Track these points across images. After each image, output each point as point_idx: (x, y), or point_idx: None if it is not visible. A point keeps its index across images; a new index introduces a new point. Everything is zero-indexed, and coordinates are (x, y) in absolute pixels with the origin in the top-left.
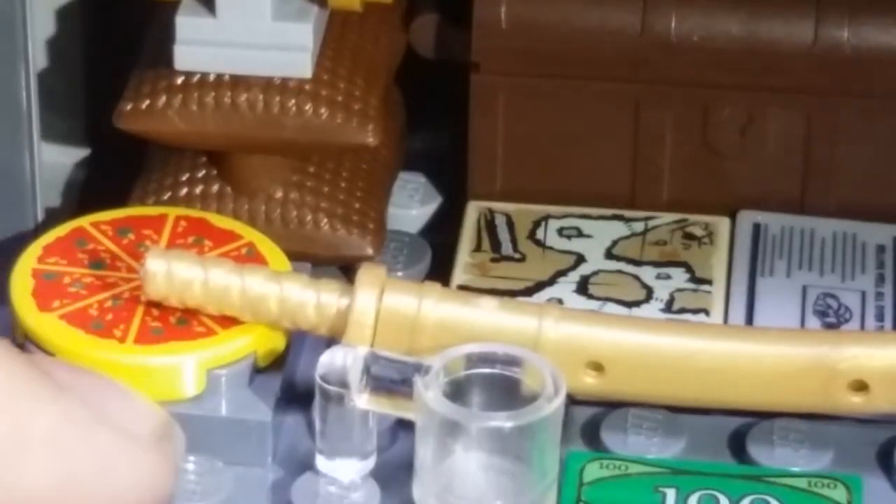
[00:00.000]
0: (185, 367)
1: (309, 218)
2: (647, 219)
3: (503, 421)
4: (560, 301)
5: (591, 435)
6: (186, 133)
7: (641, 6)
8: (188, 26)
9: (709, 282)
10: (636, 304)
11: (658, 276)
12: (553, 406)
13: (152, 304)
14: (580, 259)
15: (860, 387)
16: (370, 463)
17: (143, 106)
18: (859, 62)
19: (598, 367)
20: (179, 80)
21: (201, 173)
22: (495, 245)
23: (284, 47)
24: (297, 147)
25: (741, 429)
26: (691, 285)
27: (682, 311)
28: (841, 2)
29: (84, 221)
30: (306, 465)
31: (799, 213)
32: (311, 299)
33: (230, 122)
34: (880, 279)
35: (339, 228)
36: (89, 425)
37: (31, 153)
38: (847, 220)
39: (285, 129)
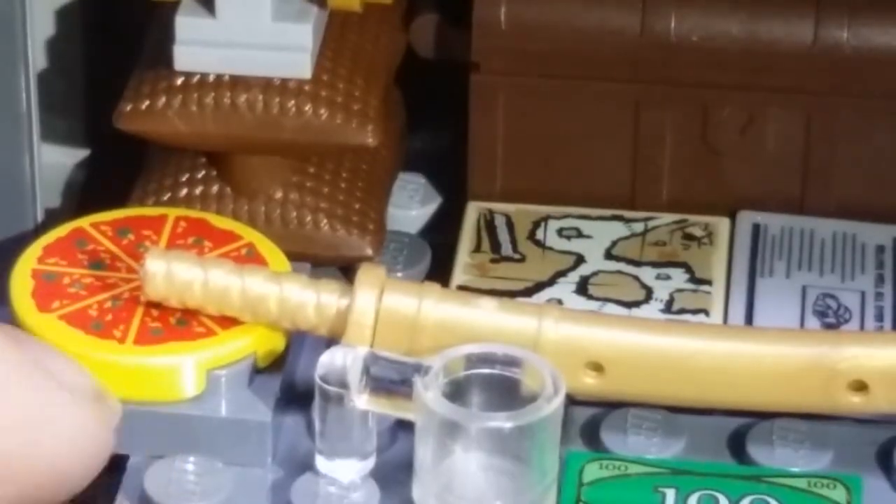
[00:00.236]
0: (185, 367)
1: (309, 218)
2: (646, 219)
3: (503, 421)
4: (560, 301)
5: (591, 435)
6: (186, 133)
7: (641, 6)
8: (188, 26)
9: (708, 282)
10: (636, 304)
11: (658, 277)
12: (553, 406)
13: (152, 305)
14: (580, 259)
15: (860, 387)
16: (370, 463)
17: (143, 106)
18: (859, 62)
19: (597, 368)
20: (179, 81)
21: (201, 174)
22: (495, 245)
23: (284, 48)
24: (296, 147)
25: (741, 429)
26: (691, 286)
27: (682, 311)
28: (841, 2)
29: (84, 222)
30: (306, 466)
31: (799, 214)
32: (311, 300)
33: (230, 123)
34: (880, 279)
35: (338, 229)
36: (29, 373)
37: (31, 153)
38: (847, 221)
39: (285, 130)
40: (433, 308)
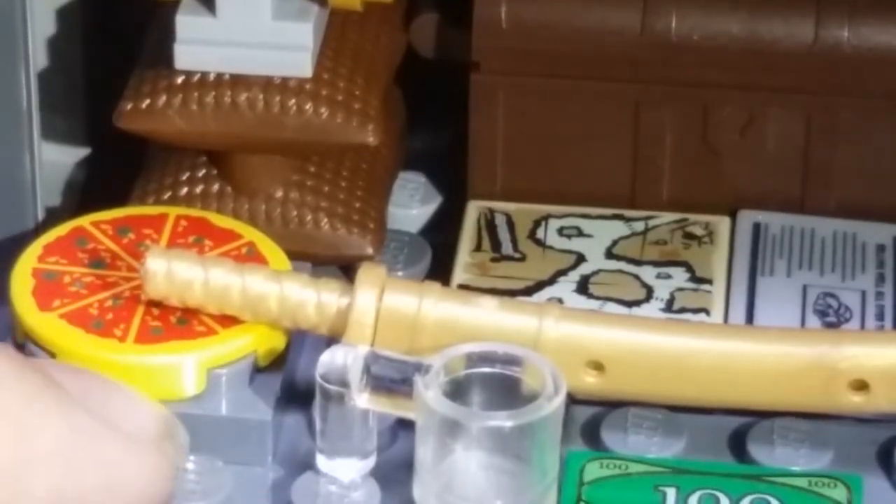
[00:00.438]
0: (186, 366)
1: (309, 217)
2: (647, 218)
3: (503, 420)
4: (560, 300)
5: (592, 434)
6: (187, 132)
7: (641, 6)
8: (188, 26)
9: (709, 281)
10: (636, 303)
11: (658, 276)
12: (553, 405)
13: (152, 304)
14: (580, 258)
15: (860, 386)
16: (370, 462)
17: (144, 105)
18: (859, 62)
19: (598, 367)
20: (180, 80)
21: (201, 173)
22: (495, 245)
23: (285, 47)
24: (297, 146)
25: (741, 428)
26: (691, 285)
27: (683, 310)
28: (841, 2)
29: (84, 221)
30: (306, 465)
31: (799, 213)
32: (312, 299)
33: (230, 122)
34: (880, 279)
35: (339, 228)
36: (95, 434)
37: (31, 153)
38: (847, 220)
39: (285, 129)
40: (433, 307)
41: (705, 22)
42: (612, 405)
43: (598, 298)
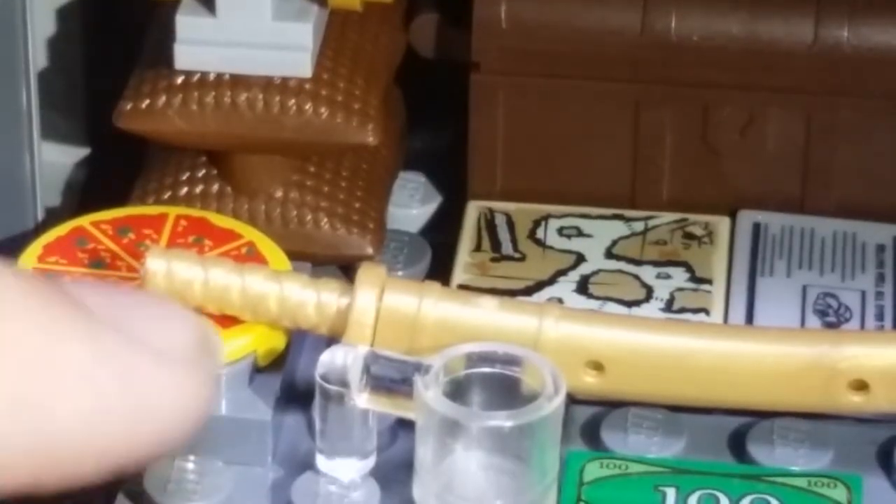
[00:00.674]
0: None
1: (309, 217)
2: (647, 218)
3: (503, 420)
4: (560, 300)
5: (591, 434)
6: (186, 132)
7: (641, 6)
8: (188, 26)
9: (709, 281)
10: (636, 303)
11: (658, 276)
12: (553, 405)
13: None
14: (580, 258)
15: (860, 386)
16: (370, 462)
17: (143, 105)
18: (859, 62)
19: (598, 367)
20: (179, 80)
21: (201, 173)
22: (495, 244)
23: (284, 47)
24: (297, 146)
25: (741, 428)
26: (691, 285)
27: (682, 310)
28: (841, 2)
29: (84, 221)
30: (306, 465)
31: (799, 213)
32: (311, 298)
33: (230, 122)
34: (880, 279)
35: (339, 228)
36: (124, 356)
37: (31, 153)
38: (847, 220)
39: (285, 129)
40: (433, 307)
41: (705, 22)
42: (611, 405)
43: (597, 298)
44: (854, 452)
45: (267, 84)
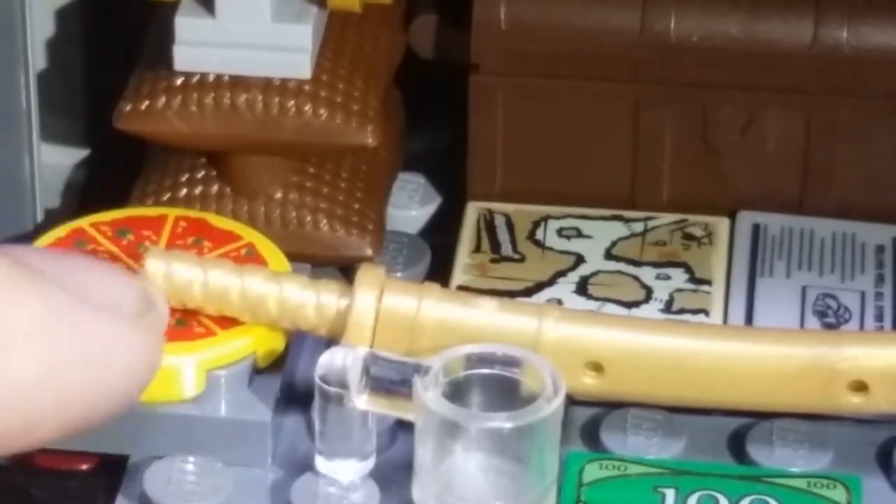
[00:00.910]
0: (185, 367)
1: (308, 219)
2: (646, 219)
3: (502, 421)
4: (559, 301)
5: (591, 435)
6: (186, 134)
7: (641, 6)
8: (188, 27)
9: (708, 282)
10: (636, 304)
11: (657, 277)
12: (552, 406)
13: None
14: (580, 259)
15: (860, 387)
16: (370, 463)
17: (143, 107)
18: (859, 62)
19: (597, 368)
20: (179, 81)
21: (201, 174)
22: (495, 246)
23: (284, 48)
24: (296, 148)
25: (741, 429)
26: (691, 285)
27: (682, 311)
28: (841, 2)
29: (84, 222)
30: (306, 466)
31: (798, 214)
32: (311, 300)
33: (229, 123)
34: (880, 279)
35: (338, 229)
36: (72, 311)
37: (30, 154)
38: (846, 221)
39: (285, 130)
40: (433, 308)
41: (704, 22)
42: (611, 406)
43: (597, 299)
44: (853, 453)
45: (266, 85)
